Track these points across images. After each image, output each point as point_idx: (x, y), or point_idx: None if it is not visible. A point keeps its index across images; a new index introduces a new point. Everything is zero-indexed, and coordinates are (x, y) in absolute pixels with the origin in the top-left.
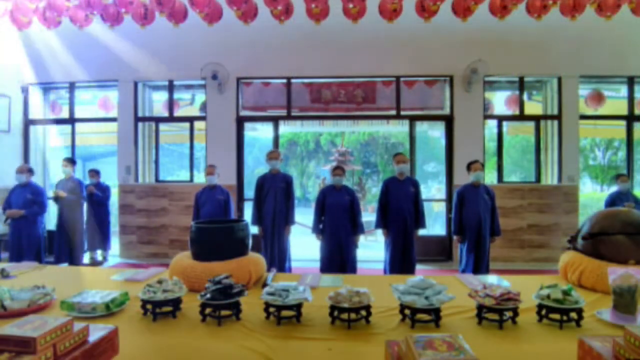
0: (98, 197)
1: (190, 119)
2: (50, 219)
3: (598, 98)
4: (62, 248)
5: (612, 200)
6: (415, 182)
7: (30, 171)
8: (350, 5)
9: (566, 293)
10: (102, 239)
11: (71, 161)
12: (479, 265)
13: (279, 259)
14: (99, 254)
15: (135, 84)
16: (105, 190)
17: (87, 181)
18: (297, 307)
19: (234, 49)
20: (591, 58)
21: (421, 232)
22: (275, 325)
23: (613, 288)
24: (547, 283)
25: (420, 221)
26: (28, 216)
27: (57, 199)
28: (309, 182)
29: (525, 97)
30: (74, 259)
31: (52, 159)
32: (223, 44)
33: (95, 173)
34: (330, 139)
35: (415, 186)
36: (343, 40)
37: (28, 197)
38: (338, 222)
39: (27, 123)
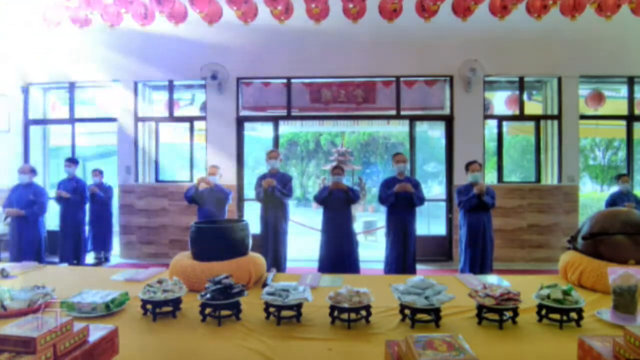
0: (100, 197)
1: (190, 119)
2: (51, 219)
3: (598, 98)
4: (66, 248)
5: (613, 200)
6: (415, 182)
7: (33, 171)
8: (350, 5)
9: (566, 293)
10: (105, 239)
11: (73, 161)
12: (483, 263)
13: (278, 259)
14: (101, 254)
15: (135, 84)
16: (107, 190)
17: (90, 181)
18: (297, 307)
19: (234, 49)
20: (591, 58)
21: (421, 232)
22: (275, 325)
23: (613, 288)
24: (547, 283)
25: (414, 200)
26: (28, 216)
27: (59, 199)
28: (309, 182)
29: (525, 97)
30: (78, 259)
31: (52, 159)
32: (223, 44)
33: (99, 173)
34: (330, 139)
35: (415, 186)
36: (343, 40)
37: (30, 197)
38: (338, 221)
39: (27, 123)
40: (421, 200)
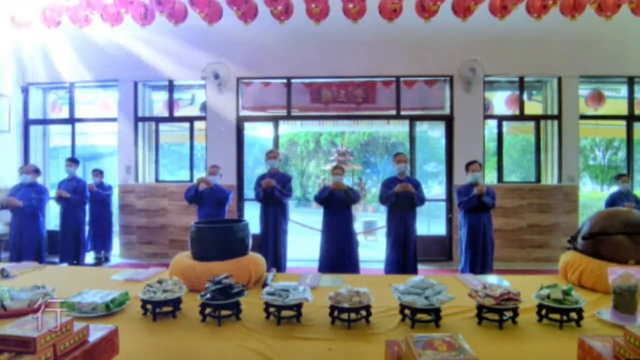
0: (99, 195)
1: (190, 119)
2: (51, 219)
3: (598, 98)
4: (66, 248)
5: (613, 200)
6: (416, 182)
7: (37, 171)
8: (350, 5)
9: (566, 293)
10: (105, 239)
11: (74, 161)
12: (484, 264)
13: (278, 259)
14: (102, 254)
15: (135, 84)
16: (107, 189)
17: (90, 181)
18: (297, 307)
19: (233, 49)
20: (591, 58)
21: (421, 232)
22: (275, 325)
23: (613, 288)
24: (547, 283)
25: (415, 200)
26: (25, 209)
27: (60, 199)
28: (309, 182)
29: (525, 97)
30: (77, 259)
31: (52, 159)
32: (223, 44)
33: (99, 173)
34: (330, 139)
35: (415, 186)
36: (343, 40)
37: (32, 197)
38: (338, 221)
39: (27, 123)
40: (422, 200)
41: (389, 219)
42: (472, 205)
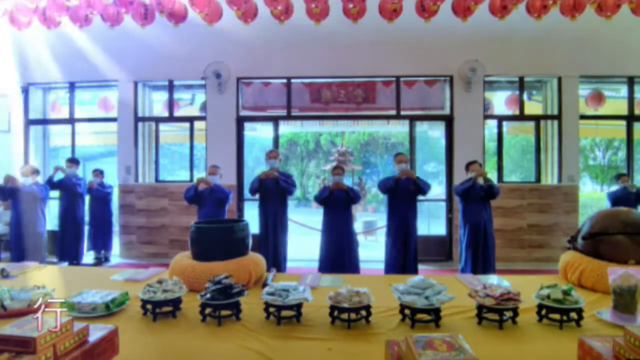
0: (99, 193)
1: (190, 119)
2: (51, 219)
3: (598, 98)
4: (66, 246)
5: (616, 198)
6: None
7: (36, 172)
8: (350, 5)
9: (566, 293)
10: (105, 239)
11: (74, 161)
12: (486, 264)
13: (278, 259)
14: (102, 254)
15: (135, 84)
16: (107, 189)
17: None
18: (297, 307)
19: (234, 49)
20: (591, 58)
21: (421, 232)
22: (275, 325)
23: (613, 288)
24: (547, 283)
25: (421, 185)
26: (23, 187)
27: (59, 185)
28: (309, 182)
29: (525, 97)
30: (77, 258)
31: (52, 159)
32: (223, 44)
33: (99, 173)
34: (330, 139)
35: (416, 185)
36: (343, 40)
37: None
38: (338, 221)
39: (27, 123)
40: (427, 185)
41: (389, 219)
42: (467, 186)
